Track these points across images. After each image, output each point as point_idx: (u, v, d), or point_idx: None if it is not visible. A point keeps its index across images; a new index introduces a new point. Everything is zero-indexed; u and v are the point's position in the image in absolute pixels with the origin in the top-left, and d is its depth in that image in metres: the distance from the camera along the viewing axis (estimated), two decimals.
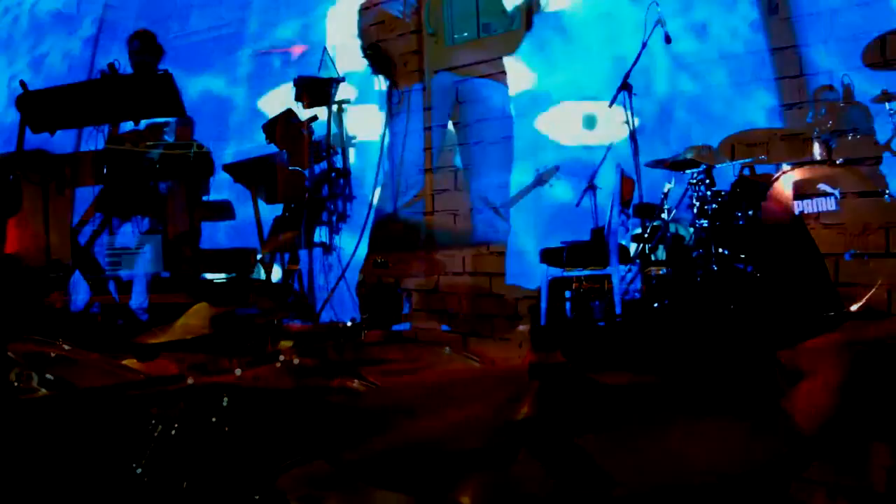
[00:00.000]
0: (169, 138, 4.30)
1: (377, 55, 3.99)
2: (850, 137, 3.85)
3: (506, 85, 2.93)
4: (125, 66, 4.19)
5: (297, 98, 4.26)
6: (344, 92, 4.24)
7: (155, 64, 4.40)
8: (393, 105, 2.78)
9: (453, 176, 3.43)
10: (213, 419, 1.61)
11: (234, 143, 5.87)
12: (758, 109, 5.10)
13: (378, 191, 3.30)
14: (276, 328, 3.59)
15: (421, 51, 3.27)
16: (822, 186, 3.66)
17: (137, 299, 4.00)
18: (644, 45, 4.25)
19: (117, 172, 3.93)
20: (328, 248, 4.22)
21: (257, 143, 4.52)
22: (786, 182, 3.72)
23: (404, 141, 2.68)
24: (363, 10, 4.24)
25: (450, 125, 2.83)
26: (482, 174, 2.75)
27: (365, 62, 2.74)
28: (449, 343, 3.64)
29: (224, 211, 4.45)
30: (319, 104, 4.21)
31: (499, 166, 2.77)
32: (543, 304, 4.22)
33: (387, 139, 2.75)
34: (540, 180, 4.97)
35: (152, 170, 3.98)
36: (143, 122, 4.21)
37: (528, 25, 3.81)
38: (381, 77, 2.80)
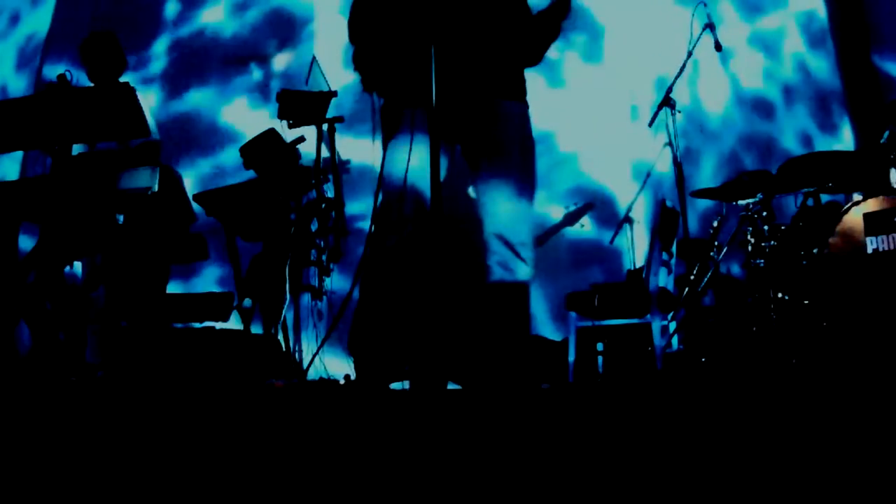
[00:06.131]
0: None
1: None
2: None
3: (526, 102, 2.55)
4: (78, 77, 3.79)
5: (281, 116, 3.98)
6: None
7: (116, 75, 3.96)
8: (390, 125, 2.43)
9: (463, 209, 3.17)
10: None
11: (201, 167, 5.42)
12: (824, 128, 4.70)
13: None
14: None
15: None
16: None
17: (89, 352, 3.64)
18: (690, 53, 3.93)
19: (67, 203, 3.53)
20: (317, 293, 3.96)
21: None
22: (857, 214, 3.48)
23: (406, 167, 2.28)
24: None
25: (460, 150, 2.49)
26: (498, 207, 2.40)
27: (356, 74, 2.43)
28: None
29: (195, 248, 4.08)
30: (307, 123, 4.01)
31: (518, 198, 2.41)
32: (571, 359, 3.76)
33: (383, 165, 2.40)
34: (569, 220, 4.59)
35: (110, 199, 3.60)
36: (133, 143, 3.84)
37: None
38: (375, 93, 2.45)
